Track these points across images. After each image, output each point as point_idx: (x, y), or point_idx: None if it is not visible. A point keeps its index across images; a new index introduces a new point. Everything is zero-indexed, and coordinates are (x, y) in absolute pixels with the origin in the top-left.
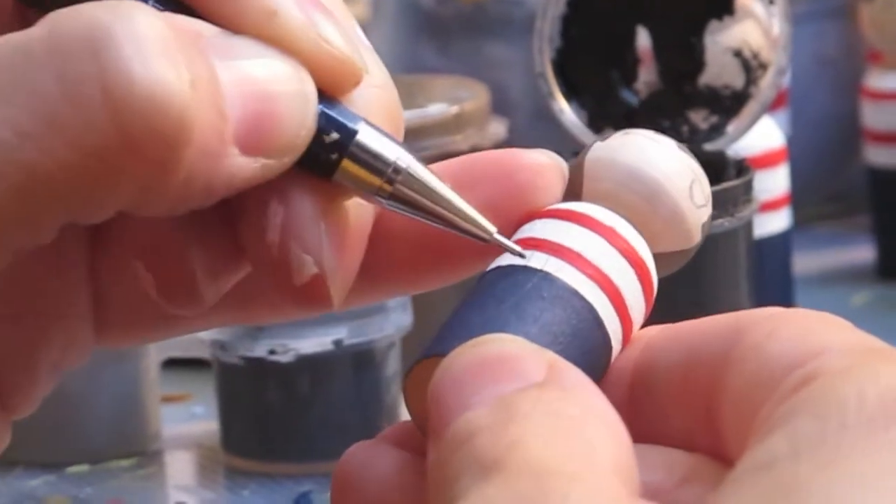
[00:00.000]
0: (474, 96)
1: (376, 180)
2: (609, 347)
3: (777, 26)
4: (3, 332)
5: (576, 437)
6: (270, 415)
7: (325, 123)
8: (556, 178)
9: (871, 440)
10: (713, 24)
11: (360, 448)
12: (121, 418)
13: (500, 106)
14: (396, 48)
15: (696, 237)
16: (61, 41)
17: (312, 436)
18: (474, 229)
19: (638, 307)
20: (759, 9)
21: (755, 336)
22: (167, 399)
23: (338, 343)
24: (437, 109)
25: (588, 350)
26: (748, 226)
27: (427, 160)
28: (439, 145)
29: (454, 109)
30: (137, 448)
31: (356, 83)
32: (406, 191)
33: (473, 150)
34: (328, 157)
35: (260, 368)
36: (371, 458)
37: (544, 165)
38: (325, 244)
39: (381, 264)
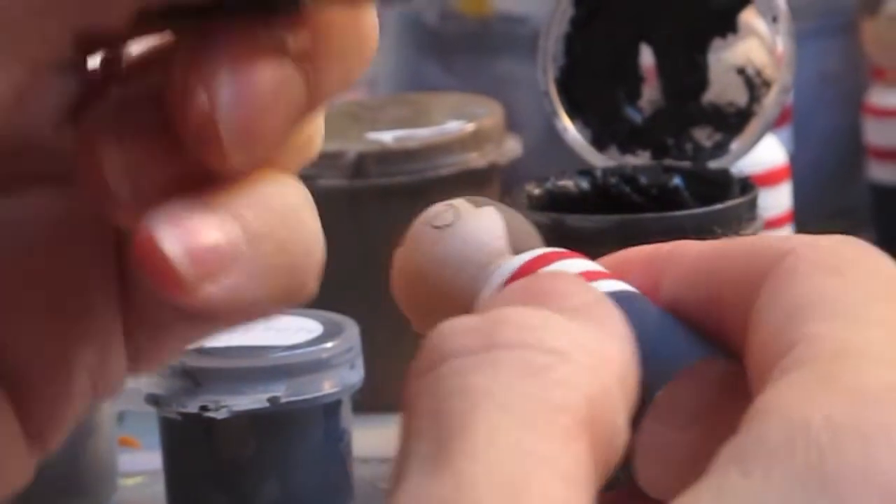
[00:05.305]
0: (490, 113)
1: None
2: None
3: (781, 44)
4: (34, 326)
5: None
6: (209, 472)
7: None
8: None
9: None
10: (717, 42)
11: None
12: (76, 468)
13: (507, 124)
14: (400, 66)
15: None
16: None
17: (252, 496)
18: None
19: None
20: (762, 27)
21: (765, 295)
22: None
23: (273, 400)
24: (454, 126)
25: None
26: None
27: (446, 178)
28: (458, 162)
29: (471, 126)
30: (94, 499)
31: None
32: None
33: (491, 166)
34: None
35: (196, 424)
36: None
37: None
38: (228, 90)
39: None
